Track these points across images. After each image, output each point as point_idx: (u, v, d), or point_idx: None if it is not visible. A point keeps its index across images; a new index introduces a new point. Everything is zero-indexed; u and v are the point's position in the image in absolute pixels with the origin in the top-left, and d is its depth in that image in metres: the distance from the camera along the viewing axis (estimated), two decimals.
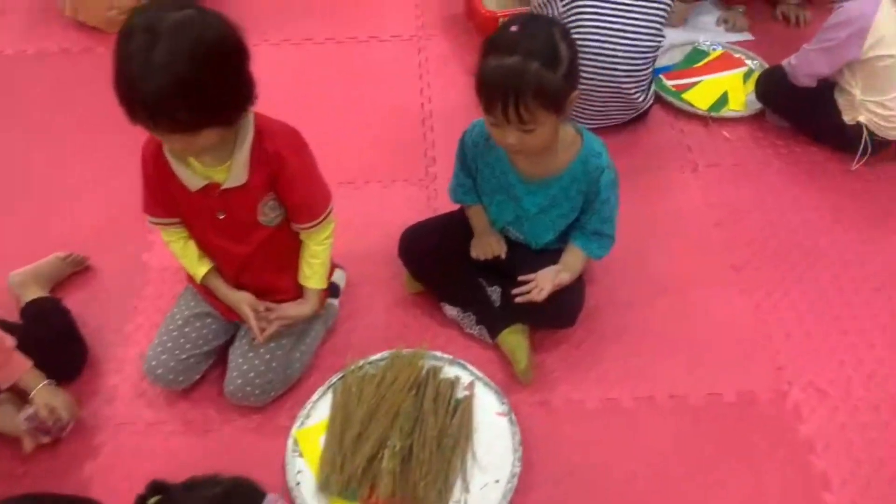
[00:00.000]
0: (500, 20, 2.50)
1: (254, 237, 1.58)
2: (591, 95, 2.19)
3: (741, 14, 2.73)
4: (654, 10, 2.07)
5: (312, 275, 1.65)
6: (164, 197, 1.55)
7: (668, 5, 2.10)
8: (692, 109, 2.37)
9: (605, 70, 2.12)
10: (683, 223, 2.07)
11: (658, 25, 2.09)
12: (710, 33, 2.68)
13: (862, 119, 2.13)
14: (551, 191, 1.62)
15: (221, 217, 1.53)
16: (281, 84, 2.52)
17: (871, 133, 2.13)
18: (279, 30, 2.72)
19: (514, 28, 1.41)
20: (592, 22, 2.08)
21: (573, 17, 2.10)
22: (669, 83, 2.46)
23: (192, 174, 1.48)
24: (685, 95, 2.42)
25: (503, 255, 1.75)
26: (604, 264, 1.95)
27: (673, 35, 2.63)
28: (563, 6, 2.11)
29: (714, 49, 2.59)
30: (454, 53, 2.63)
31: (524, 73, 1.38)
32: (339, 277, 1.88)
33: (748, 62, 2.54)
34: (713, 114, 2.35)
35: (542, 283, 1.63)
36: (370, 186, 2.19)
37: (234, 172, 1.47)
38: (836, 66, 2.12)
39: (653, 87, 2.27)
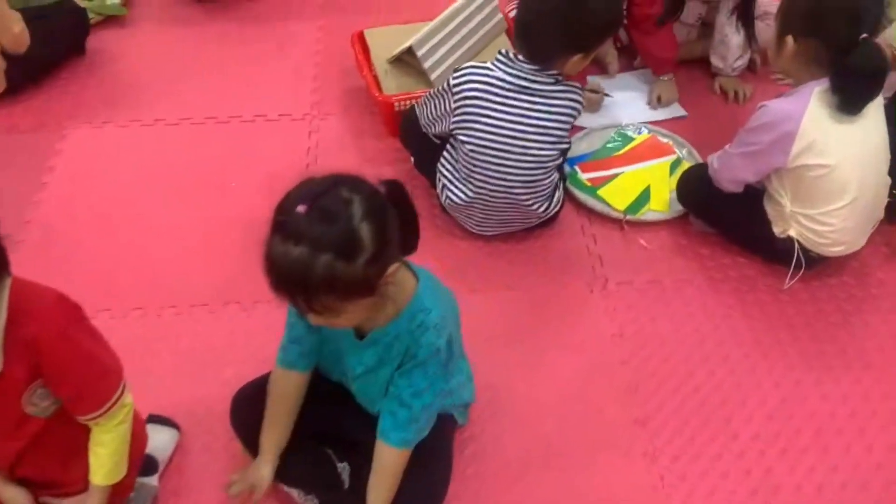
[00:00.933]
0: (396, 105, 2.21)
1: (24, 430, 1.27)
2: (485, 203, 1.90)
3: (667, 83, 2.43)
4: (555, 116, 1.77)
5: (98, 468, 1.33)
6: None
7: (574, 110, 1.80)
8: (607, 211, 2.08)
9: (497, 179, 1.83)
10: (584, 360, 1.77)
11: (560, 133, 1.79)
12: (635, 111, 2.40)
13: (793, 233, 1.84)
14: (377, 348, 1.32)
15: None
16: (147, 171, 2.24)
17: (803, 248, 1.86)
18: (153, 108, 2.42)
19: (301, 208, 1.11)
20: (482, 125, 1.79)
21: (462, 118, 1.81)
22: (584, 176, 2.17)
23: None
24: (601, 191, 2.13)
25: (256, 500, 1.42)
26: (485, 417, 1.67)
27: (593, 117, 2.35)
28: (455, 102, 1.82)
29: (639, 133, 2.31)
30: (351, 137, 2.33)
31: (312, 267, 1.09)
32: (164, 442, 1.57)
33: (677, 150, 2.25)
34: (630, 217, 2.06)
35: None
36: (228, 309, 1.88)
37: None
38: (761, 174, 1.83)
39: (558, 195, 1.97)
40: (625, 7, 2.35)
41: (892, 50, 2.13)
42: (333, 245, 1.09)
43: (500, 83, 1.75)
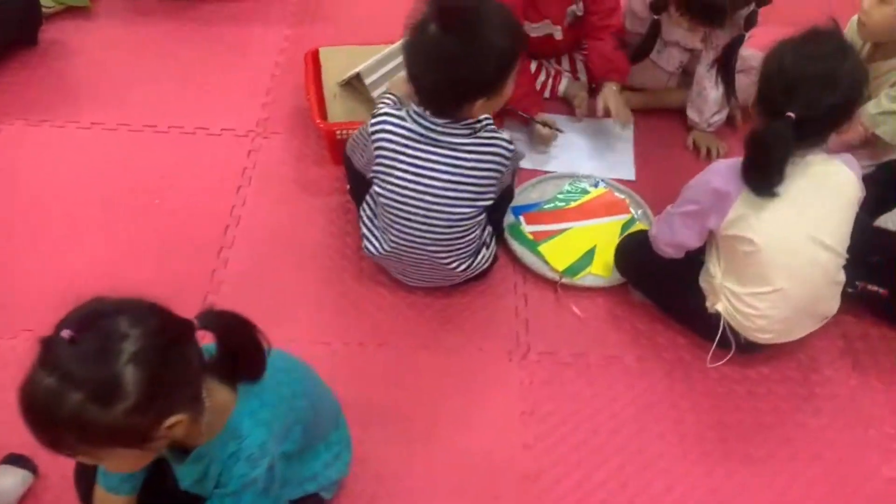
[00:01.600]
0: (338, 134, 2.08)
1: None
2: (402, 259, 1.77)
3: (615, 92, 2.19)
4: (470, 171, 1.61)
5: None
6: None
7: (499, 164, 1.64)
8: (543, 271, 1.92)
9: (410, 237, 1.70)
10: (487, 438, 1.62)
11: (477, 189, 1.64)
12: (597, 163, 2.21)
13: (720, 308, 1.67)
14: (199, 465, 1.17)
15: None
16: (73, 178, 2.13)
17: (732, 330, 1.68)
18: (95, 109, 2.30)
19: (66, 333, 0.96)
20: (395, 179, 1.65)
21: (377, 168, 1.68)
22: (528, 229, 2.01)
23: None
24: (542, 247, 1.97)
25: None
26: (366, 495, 1.53)
27: (544, 160, 2.19)
28: (373, 150, 1.68)
29: (595, 186, 2.14)
30: (292, 160, 2.19)
31: (58, 405, 0.95)
32: (11, 487, 1.45)
33: (632, 209, 2.08)
34: (566, 280, 1.90)
35: None
36: None
37: None
38: (702, 237, 1.67)
39: (484, 253, 1.80)
40: (581, 17, 2.22)
41: (865, 128, 1.98)
42: (87, 385, 0.94)
43: (412, 135, 1.61)
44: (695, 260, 1.74)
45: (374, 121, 1.65)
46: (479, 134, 1.61)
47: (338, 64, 2.24)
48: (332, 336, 1.78)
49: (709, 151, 2.27)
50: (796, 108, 1.46)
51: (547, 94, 2.38)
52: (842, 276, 1.67)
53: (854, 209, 1.64)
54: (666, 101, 2.38)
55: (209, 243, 1.97)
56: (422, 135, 1.60)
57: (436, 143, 1.60)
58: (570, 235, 2.01)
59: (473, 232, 1.72)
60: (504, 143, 1.64)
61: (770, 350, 1.73)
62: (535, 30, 2.23)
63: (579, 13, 2.23)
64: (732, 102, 2.25)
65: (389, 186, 1.65)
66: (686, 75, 2.36)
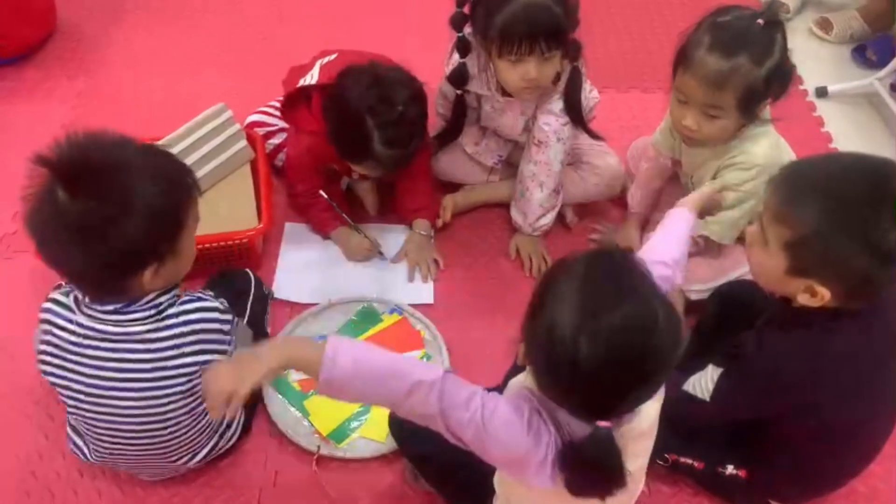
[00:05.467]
0: None
1: None
2: (119, 465, 1.45)
3: (424, 238, 1.93)
4: (167, 363, 1.27)
5: None
6: None
7: (218, 342, 1.31)
8: (298, 439, 1.56)
9: (115, 447, 1.37)
10: None
11: (184, 377, 1.29)
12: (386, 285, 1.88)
13: None
14: None
15: None
16: None
17: None
18: None
19: None
20: (75, 385, 1.30)
21: (45, 368, 1.34)
22: (296, 377, 1.66)
23: None
24: (309, 402, 1.62)
25: None
26: None
27: (334, 291, 1.83)
28: (41, 342, 1.35)
29: (389, 313, 1.80)
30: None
31: None
32: None
33: (428, 343, 1.74)
34: (325, 451, 1.55)
35: None
36: None
37: None
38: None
39: (234, 428, 1.49)
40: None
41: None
42: None
43: (85, 331, 1.27)
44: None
45: (43, 306, 1.32)
46: (167, 313, 1.26)
47: None
48: None
49: (531, 261, 1.93)
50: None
51: None
52: None
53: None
54: (490, 198, 2.05)
55: None
56: (96, 330, 1.26)
57: (112, 339, 1.26)
58: None
59: (195, 425, 1.38)
60: (209, 311, 1.30)
61: None
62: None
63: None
64: (555, 202, 1.91)
65: (68, 392, 1.31)
66: (511, 167, 2.03)
